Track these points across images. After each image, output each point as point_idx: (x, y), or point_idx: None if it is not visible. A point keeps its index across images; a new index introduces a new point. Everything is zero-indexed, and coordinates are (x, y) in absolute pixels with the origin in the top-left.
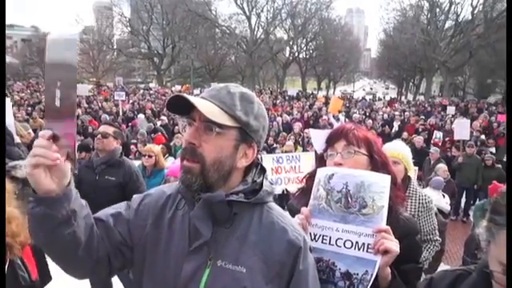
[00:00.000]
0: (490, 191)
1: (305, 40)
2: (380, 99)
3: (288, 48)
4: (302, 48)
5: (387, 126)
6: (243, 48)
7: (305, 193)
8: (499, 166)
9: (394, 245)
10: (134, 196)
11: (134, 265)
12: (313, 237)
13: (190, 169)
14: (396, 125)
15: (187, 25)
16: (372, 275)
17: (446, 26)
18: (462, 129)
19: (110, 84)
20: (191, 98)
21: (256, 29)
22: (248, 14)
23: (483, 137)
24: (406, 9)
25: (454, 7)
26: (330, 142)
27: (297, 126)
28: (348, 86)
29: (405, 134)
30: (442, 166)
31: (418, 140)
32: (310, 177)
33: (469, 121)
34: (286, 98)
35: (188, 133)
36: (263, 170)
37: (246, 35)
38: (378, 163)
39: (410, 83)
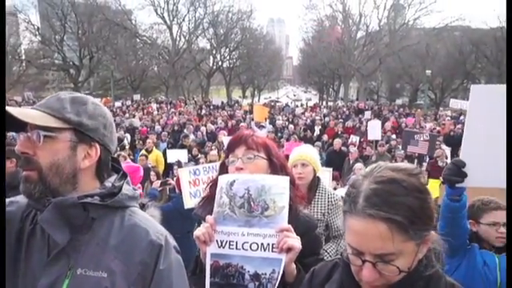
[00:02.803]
0: None
1: (228, 49)
2: (302, 105)
3: (211, 57)
4: (225, 57)
5: (309, 131)
6: (165, 58)
7: (209, 201)
8: (405, 161)
9: (296, 242)
10: None
11: None
12: (219, 243)
13: (27, 177)
14: (317, 129)
15: (105, 34)
16: (279, 273)
17: (358, 35)
18: (374, 130)
19: (19, 98)
20: (9, 109)
21: (178, 39)
22: (169, 23)
23: (394, 136)
24: (322, 19)
25: (363, 19)
26: (231, 148)
27: (221, 135)
28: (272, 93)
29: (325, 137)
30: (358, 165)
31: (337, 142)
32: (213, 185)
33: (380, 122)
34: (211, 107)
35: (19, 143)
36: (125, 176)
37: (167, 45)
38: (277, 166)
39: (330, 89)
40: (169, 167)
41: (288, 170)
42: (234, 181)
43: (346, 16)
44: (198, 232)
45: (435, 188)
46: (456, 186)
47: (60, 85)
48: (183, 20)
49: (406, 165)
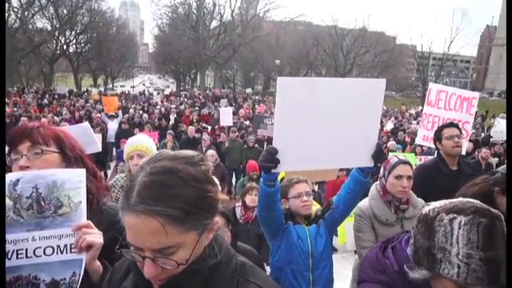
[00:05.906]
0: (248, 168)
1: (74, 32)
2: (158, 93)
3: (54, 40)
4: (70, 41)
5: (164, 120)
6: None
7: None
8: (256, 145)
9: (96, 237)
10: None
11: None
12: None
13: None
14: (172, 118)
15: None
16: (80, 274)
17: (213, 24)
18: (225, 116)
19: None
20: None
21: (6, 15)
22: None
23: (247, 122)
24: (176, 5)
25: (217, 8)
26: (13, 144)
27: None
28: (127, 81)
29: (183, 126)
30: (210, 152)
31: (190, 130)
32: None
33: (231, 109)
34: (56, 96)
35: None
36: None
37: None
38: (71, 159)
39: (187, 77)
40: None
41: (85, 161)
42: (18, 180)
43: (200, 4)
44: None
45: None
46: (271, 172)
47: None
48: None
49: (185, 153)
